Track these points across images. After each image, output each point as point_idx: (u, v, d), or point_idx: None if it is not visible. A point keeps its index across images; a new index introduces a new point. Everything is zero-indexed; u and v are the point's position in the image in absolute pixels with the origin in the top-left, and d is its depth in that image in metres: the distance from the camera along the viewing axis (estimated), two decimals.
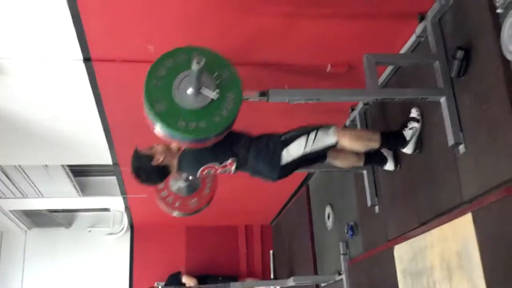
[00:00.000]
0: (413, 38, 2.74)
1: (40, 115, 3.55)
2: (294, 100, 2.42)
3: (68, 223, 7.21)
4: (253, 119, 3.49)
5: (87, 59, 2.85)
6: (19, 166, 4.77)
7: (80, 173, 5.48)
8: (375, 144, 2.72)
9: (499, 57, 2.07)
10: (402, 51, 2.86)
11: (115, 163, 4.46)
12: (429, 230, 2.65)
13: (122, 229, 7.02)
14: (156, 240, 6.78)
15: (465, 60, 2.29)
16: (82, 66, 2.89)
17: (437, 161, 2.60)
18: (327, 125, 2.65)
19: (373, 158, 3.02)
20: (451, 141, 2.36)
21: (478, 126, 2.25)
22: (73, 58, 2.84)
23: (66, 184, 5.29)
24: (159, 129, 2.31)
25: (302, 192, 5.37)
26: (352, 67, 2.98)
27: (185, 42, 2.77)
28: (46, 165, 4.80)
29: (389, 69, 3.05)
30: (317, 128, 2.61)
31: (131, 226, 7.05)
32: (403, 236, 2.94)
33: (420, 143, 2.74)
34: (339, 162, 2.95)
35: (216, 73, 2.32)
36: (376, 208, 3.33)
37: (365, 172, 3.40)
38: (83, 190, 5.71)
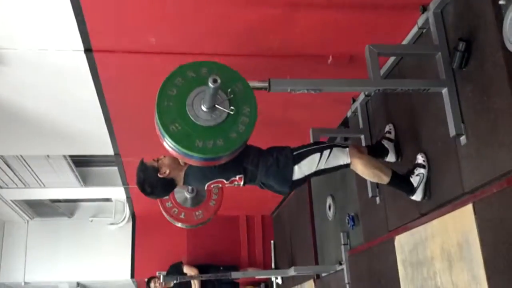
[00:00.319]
0: (415, 29, 2.73)
1: (41, 105, 3.56)
2: (296, 90, 2.39)
3: (70, 213, 7.24)
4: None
5: (88, 50, 2.85)
6: (21, 156, 4.79)
7: (82, 163, 5.49)
8: (385, 179, 2.65)
9: (501, 49, 2.06)
10: (404, 42, 2.85)
11: (117, 154, 4.48)
12: (429, 221, 2.66)
13: (123, 219, 7.05)
14: (158, 230, 6.80)
15: (467, 51, 2.28)
16: (83, 57, 2.89)
17: (438, 152, 2.60)
18: (341, 144, 2.64)
19: (374, 150, 3.00)
20: (452, 132, 2.36)
21: (479, 117, 2.25)
22: (74, 49, 2.84)
23: (68, 174, 5.31)
24: (172, 149, 2.25)
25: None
26: (354, 58, 2.97)
27: (187, 33, 2.78)
28: (48, 156, 4.81)
29: (390, 60, 3.04)
30: (331, 146, 2.58)
31: (133, 216, 7.09)
32: (404, 226, 2.95)
33: (429, 190, 2.69)
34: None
35: (230, 89, 2.25)
36: (377, 199, 3.33)
37: None
38: (85, 180, 5.73)
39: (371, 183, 3.32)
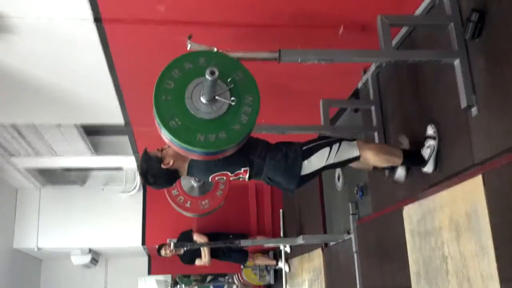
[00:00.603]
0: (428, 0, 2.68)
1: (52, 74, 3.57)
2: (306, 60, 2.37)
3: (82, 181, 7.32)
4: (263, 82, 3.50)
5: (97, 19, 2.84)
6: (33, 124, 4.83)
7: (93, 132, 5.52)
8: (398, 161, 2.67)
9: None
10: (417, 12, 2.81)
11: (127, 123, 4.50)
12: (439, 192, 2.67)
13: (134, 188, 7.13)
14: None
15: (480, 22, 2.25)
16: (92, 26, 2.89)
17: (449, 123, 2.59)
18: (349, 138, 2.61)
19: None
20: (463, 103, 2.35)
21: (491, 89, 2.23)
22: (83, 18, 2.83)
23: (79, 143, 5.34)
24: (172, 144, 2.19)
25: None
26: (365, 29, 2.94)
27: (197, 2, 2.75)
28: (59, 124, 4.85)
29: (403, 31, 3.01)
30: (339, 140, 2.57)
31: (144, 185, 7.16)
32: (413, 197, 2.96)
33: (439, 161, 2.68)
34: (354, 164, 2.82)
35: (230, 78, 2.17)
36: (386, 170, 3.34)
37: (375, 134, 3.40)
38: (96, 149, 5.76)
39: None
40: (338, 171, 4.46)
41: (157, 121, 2.16)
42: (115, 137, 5.75)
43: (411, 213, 3.00)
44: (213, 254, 6.52)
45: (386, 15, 2.46)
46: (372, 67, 3.45)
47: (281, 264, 6.77)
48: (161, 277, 8.95)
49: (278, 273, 7.64)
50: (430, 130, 2.70)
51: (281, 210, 7.15)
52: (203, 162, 2.50)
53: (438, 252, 2.67)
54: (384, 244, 3.48)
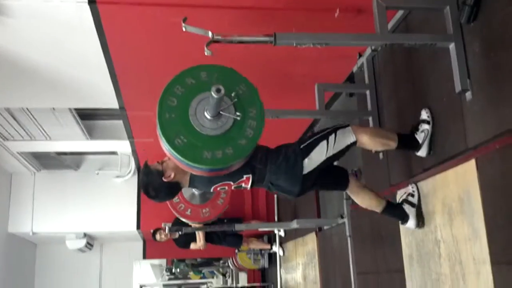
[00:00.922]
0: None
1: (46, 58, 3.54)
2: (302, 44, 2.36)
3: (76, 166, 7.32)
4: (258, 66, 3.49)
5: (91, 1, 2.81)
6: (27, 109, 4.81)
7: (87, 116, 5.51)
8: (393, 144, 2.65)
9: (511, 4, 2.03)
10: None
11: (122, 107, 4.48)
12: (432, 175, 2.69)
13: (129, 172, 7.13)
14: None
15: (476, 6, 2.25)
16: (87, 8, 2.86)
17: (443, 107, 2.60)
18: (342, 124, 2.58)
19: (393, 211, 2.85)
20: (458, 88, 2.36)
21: (486, 73, 2.24)
22: (78, 0, 2.81)
23: (73, 127, 5.33)
24: (178, 161, 2.15)
25: None
26: (361, 12, 2.93)
27: None
28: (53, 108, 4.83)
29: (398, 14, 3.00)
30: (334, 129, 2.55)
31: (138, 169, 7.15)
32: (406, 181, 2.98)
33: (433, 145, 2.68)
34: (359, 201, 2.83)
35: (233, 92, 2.15)
36: (380, 154, 3.36)
37: (370, 118, 3.41)
38: (91, 133, 5.75)
39: None
40: None
41: (161, 139, 2.12)
42: (110, 122, 5.74)
43: None
44: (208, 238, 6.54)
45: None
46: (368, 51, 3.45)
47: (275, 248, 6.84)
48: (156, 261, 9.01)
49: (272, 257, 7.70)
50: (424, 115, 2.70)
51: (275, 195, 7.17)
52: None
53: (431, 235, 2.70)
54: (377, 228, 3.50)
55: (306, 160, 2.49)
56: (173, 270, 9.03)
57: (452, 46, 2.39)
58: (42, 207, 7.17)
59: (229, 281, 8.93)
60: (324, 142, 2.52)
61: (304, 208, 5.71)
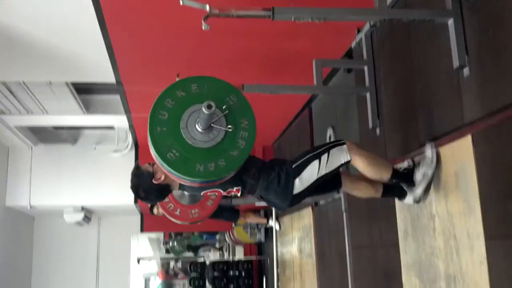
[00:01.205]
0: None
1: (42, 31, 3.52)
2: (300, 19, 2.34)
3: (74, 140, 7.32)
4: (256, 42, 3.47)
5: None
6: (23, 82, 4.78)
7: (84, 90, 5.48)
8: (385, 177, 2.60)
9: None
10: None
11: (119, 82, 4.47)
12: None
13: (126, 147, 7.13)
14: None
15: None
16: None
17: (441, 83, 2.60)
18: (339, 141, 2.55)
19: (391, 192, 2.83)
20: (456, 63, 2.36)
21: (484, 50, 2.23)
22: None
23: (70, 101, 5.31)
24: (171, 174, 2.16)
25: (305, 114, 5.40)
26: None
27: None
28: (50, 82, 4.81)
29: None
30: (327, 148, 2.51)
31: (136, 144, 7.17)
32: (402, 157, 3.00)
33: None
34: (357, 194, 2.81)
35: (224, 105, 2.14)
36: (377, 130, 3.37)
37: (368, 94, 3.41)
38: (88, 108, 5.74)
39: (372, 113, 3.35)
40: (329, 130, 4.48)
41: (153, 153, 2.12)
42: (107, 96, 5.72)
43: None
44: None
45: None
46: (366, 27, 3.42)
47: (272, 222, 6.90)
48: (153, 235, 9.09)
49: (268, 231, 7.77)
50: (429, 150, 2.61)
51: None
52: None
53: (426, 210, 2.73)
54: (372, 202, 3.53)
55: (297, 180, 2.46)
56: (170, 251, 9.11)
57: (451, 21, 2.38)
58: (40, 180, 7.19)
59: (226, 254, 9.03)
60: (316, 161, 2.47)
61: None
